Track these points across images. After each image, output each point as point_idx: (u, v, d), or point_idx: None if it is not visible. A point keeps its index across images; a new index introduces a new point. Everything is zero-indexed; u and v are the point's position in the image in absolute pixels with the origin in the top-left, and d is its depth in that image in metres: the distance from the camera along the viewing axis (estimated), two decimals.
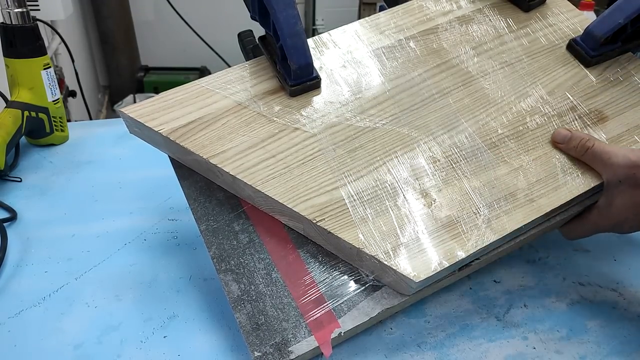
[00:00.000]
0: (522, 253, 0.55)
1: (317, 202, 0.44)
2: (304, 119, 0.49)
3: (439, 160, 0.48)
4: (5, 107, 0.70)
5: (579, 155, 0.48)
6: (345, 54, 0.53)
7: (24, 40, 0.70)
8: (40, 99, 0.73)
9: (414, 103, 0.51)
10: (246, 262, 0.45)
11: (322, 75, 0.51)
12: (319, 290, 0.44)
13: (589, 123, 0.51)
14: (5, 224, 0.57)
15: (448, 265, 0.42)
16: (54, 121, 0.75)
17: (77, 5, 2.23)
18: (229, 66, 0.53)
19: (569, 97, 0.52)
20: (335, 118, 0.49)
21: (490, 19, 0.57)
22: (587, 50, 0.54)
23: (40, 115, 0.73)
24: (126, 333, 0.46)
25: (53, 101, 0.75)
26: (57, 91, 0.76)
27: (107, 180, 0.67)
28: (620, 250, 0.56)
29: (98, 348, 0.44)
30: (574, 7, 0.59)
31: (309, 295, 0.43)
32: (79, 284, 0.51)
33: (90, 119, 1.44)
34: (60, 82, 1.73)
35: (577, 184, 0.47)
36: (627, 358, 0.44)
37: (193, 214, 0.48)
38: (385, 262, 0.42)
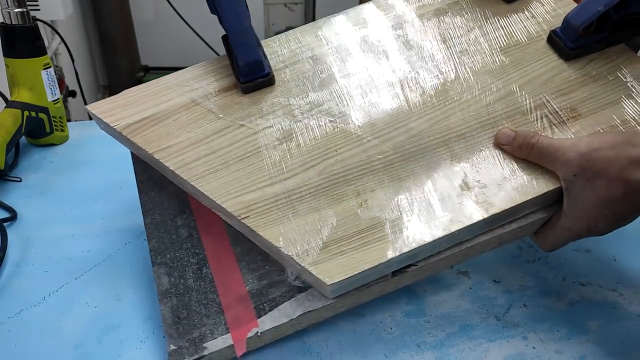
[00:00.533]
0: (522, 253, 0.55)
1: (246, 198, 0.44)
2: (252, 116, 0.49)
3: (378, 159, 0.46)
4: (5, 107, 0.70)
5: (525, 155, 0.44)
6: (305, 50, 0.53)
7: (24, 40, 0.70)
8: (40, 98, 0.73)
9: (368, 99, 0.50)
10: (181, 256, 0.46)
11: (281, 71, 0.51)
12: (245, 288, 0.44)
13: (555, 122, 0.47)
14: (5, 224, 0.57)
15: (367, 269, 0.40)
16: (54, 121, 0.75)
17: (77, 5, 2.23)
18: None
19: (539, 94, 0.49)
20: (283, 115, 0.49)
21: (466, 12, 0.55)
22: (566, 42, 0.50)
23: (40, 115, 0.73)
24: (126, 333, 0.46)
25: (53, 101, 0.75)
26: (57, 91, 0.76)
27: (107, 180, 0.67)
28: (620, 250, 0.56)
29: (98, 348, 0.44)
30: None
31: (235, 293, 0.43)
32: (79, 284, 0.51)
33: (90, 119, 1.43)
34: (60, 82, 1.73)
35: (528, 187, 0.44)
36: (627, 358, 0.44)
37: (141, 207, 0.50)
38: (300, 263, 0.41)
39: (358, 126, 0.48)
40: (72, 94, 1.74)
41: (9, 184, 0.66)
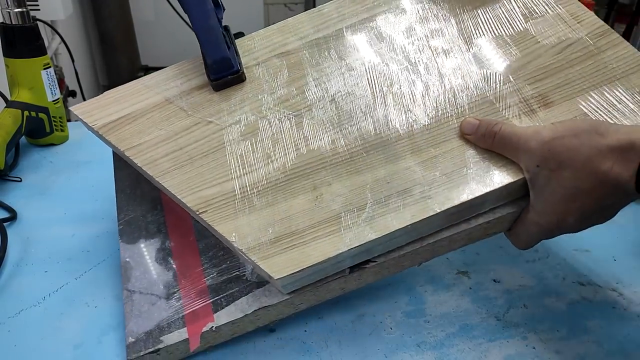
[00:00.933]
0: (522, 253, 0.55)
1: (206, 193, 0.45)
2: (220, 113, 0.50)
3: (339, 153, 0.46)
4: (5, 107, 0.70)
5: (489, 144, 0.42)
6: (280, 46, 0.53)
7: (24, 40, 0.70)
8: (40, 98, 0.73)
9: (334, 93, 0.49)
10: (148, 250, 0.47)
11: (253, 68, 0.52)
12: (205, 282, 0.44)
13: (525, 110, 0.46)
14: (5, 224, 0.57)
15: (315, 263, 0.40)
16: (54, 121, 0.75)
17: (77, 5, 2.23)
18: None
19: (510, 81, 0.48)
20: (250, 111, 0.49)
21: (444, 1, 0.54)
22: None
23: (40, 115, 0.73)
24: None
25: (53, 101, 0.75)
26: (57, 91, 0.76)
27: (107, 180, 0.67)
28: (620, 250, 0.56)
29: (98, 348, 0.44)
30: None
31: (195, 287, 0.44)
32: (79, 284, 0.51)
33: None
34: (60, 82, 1.73)
35: (490, 180, 0.42)
36: (627, 358, 0.44)
37: (116, 203, 0.51)
38: (250, 256, 0.41)
39: (322, 120, 0.48)
40: (72, 94, 1.74)
41: (9, 184, 0.66)
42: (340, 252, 0.40)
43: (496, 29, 0.51)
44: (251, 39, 0.55)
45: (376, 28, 0.53)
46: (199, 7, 0.48)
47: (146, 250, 0.48)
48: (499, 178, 0.42)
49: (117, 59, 2.62)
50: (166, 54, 2.79)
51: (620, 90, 0.46)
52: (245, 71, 0.52)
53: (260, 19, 3.06)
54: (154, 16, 2.72)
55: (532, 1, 0.53)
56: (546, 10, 0.52)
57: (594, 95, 0.46)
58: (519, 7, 0.52)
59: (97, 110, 0.51)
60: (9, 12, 0.68)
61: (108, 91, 0.53)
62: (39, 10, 1.40)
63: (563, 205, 0.38)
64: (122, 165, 0.52)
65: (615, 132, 0.35)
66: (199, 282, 0.44)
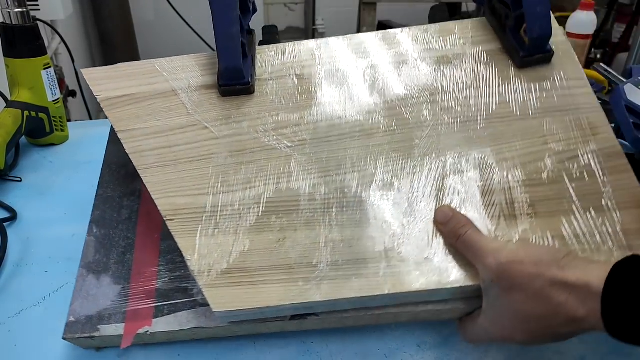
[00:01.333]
0: None
1: (178, 201, 0.45)
2: (218, 120, 0.49)
3: (315, 200, 0.44)
4: (6, 107, 0.70)
5: (453, 243, 0.41)
6: (296, 66, 0.52)
7: (24, 40, 0.69)
8: (41, 98, 0.73)
9: (330, 135, 0.48)
10: (113, 235, 0.48)
11: (265, 83, 0.51)
12: (155, 284, 0.44)
13: (506, 214, 0.43)
14: (5, 224, 0.57)
15: (254, 307, 0.40)
16: (54, 121, 0.75)
17: (77, 5, 2.23)
18: None
19: (504, 177, 0.45)
20: (247, 128, 0.48)
21: (468, 67, 0.51)
22: None
23: (41, 115, 0.73)
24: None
25: (53, 101, 0.75)
26: (57, 91, 0.76)
27: None
28: None
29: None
30: (584, 76, 0.50)
31: (145, 286, 0.44)
32: None
33: (91, 119, 1.43)
34: (61, 82, 1.73)
35: (447, 276, 0.40)
36: (626, 358, 0.44)
37: (100, 178, 0.53)
38: (198, 280, 0.41)
39: (311, 160, 0.46)
40: (72, 94, 1.73)
41: (9, 184, 0.66)
42: (282, 304, 0.40)
43: (514, 113, 0.48)
44: (271, 50, 0.54)
45: (396, 76, 0.51)
46: (224, 13, 0.48)
47: (112, 235, 0.48)
48: (457, 277, 0.40)
49: (117, 59, 2.59)
50: (166, 54, 2.78)
51: (607, 222, 0.43)
52: (257, 84, 0.51)
53: (261, 19, 3.05)
54: (154, 16, 2.72)
55: (557, 91, 0.49)
56: (568, 109, 0.48)
57: (579, 218, 0.43)
58: (560, 96, 0.49)
59: (106, 80, 0.52)
60: (9, 12, 0.68)
61: (122, 64, 0.53)
62: (39, 10, 1.40)
63: (513, 323, 0.37)
64: (117, 140, 0.51)
65: (575, 268, 0.34)
66: (150, 283, 0.44)
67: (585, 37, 1.23)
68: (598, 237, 0.42)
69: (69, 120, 0.81)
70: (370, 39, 0.54)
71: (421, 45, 0.53)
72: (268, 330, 0.43)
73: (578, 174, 0.45)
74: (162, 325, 0.42)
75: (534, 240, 0.42)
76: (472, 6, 2.65)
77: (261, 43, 0.74)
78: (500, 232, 0.43)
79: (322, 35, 3.14)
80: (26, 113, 0.71)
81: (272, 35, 0.76)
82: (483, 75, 0.51)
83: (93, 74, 0.52)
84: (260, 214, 0.44)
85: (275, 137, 0.48)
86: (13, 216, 0.60)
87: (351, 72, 0.52)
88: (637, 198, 0.44)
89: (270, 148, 0.47)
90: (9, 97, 0.73)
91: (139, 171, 0.47)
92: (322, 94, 0.51)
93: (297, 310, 0.41)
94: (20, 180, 0.67)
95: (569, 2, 1.83)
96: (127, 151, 0.48)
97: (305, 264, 0.41)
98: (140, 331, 0.41)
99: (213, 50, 0.52)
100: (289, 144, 0.47)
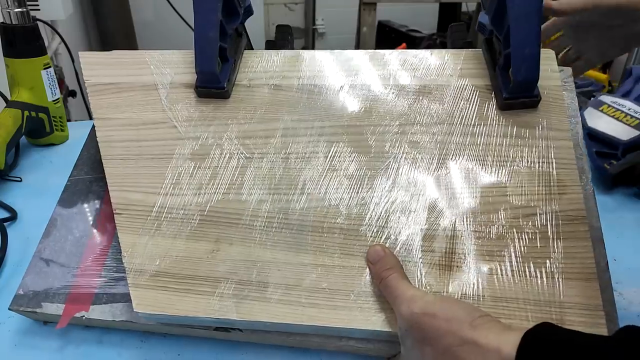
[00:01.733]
0: None
1: (131, 196, 0.46)
2: (187, 121, 0.49)
3: (257, 217, 0.44)
4: (6, 107, 0.70)
5: (377, 283, 0.40)
6: (276, 75, 0.51)
7: (24, 40, 0.70)
8: (41, 98, 0.73)
9: (291, 152, 0.47)
10: (76, 217, 0.50)
11: (242, 89, 0.51)
12: (101, 271, 0.45)
13: (441, 263, 0.41)
14: (5, 224, 0.57)
15: (174, 315, 0.40)
16: (54, 121, 0.75)
17: (77, 5, 2.23)
18: None
19: (452, 223, 0.43)
20: (213, 133, 0.48)
21: (447, 101, 0.49)
22: None
23: (41, 115, 0.73)
24: (126, 332, 0.46)
25: (53, 101, 0.75)
26: (57, 91, 0.76)
27: None
28: (620, 250, 0.56)
29: (98, 348, 0.44)
30: (568, 128, 0.46)
31: (91, 272, 0.46)
32: None
33: (90, 118, 1.43)
34: (60, 82, 1.73)
35: (366, 318, 0.39)
36: None
37: (77, 160, 0.54)
38: (127, 277, 0.42)
39: (264, 175, 0.46)
40: (72, 94, 1.73)
41: (9, 184, 0.66)
42: (199, 316, 0.40)
43: (484, 160, 0.45)
44: (258, 56, 0.53)
45: (368, 100, 0.49)
46: (204, 16, 0.48)
47: (74, 217, 0.50)
48: (377, 321, 0.39)
49: None
50: None
51: (546, 291, 0.40)
52: (235, 89, 0.51)
53: (260, 19, 3.05)
54: (154, 16, 2.72)
55: (534, 140, 0.46)
56: (540, 162, 0.45)
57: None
58: (537, 149, 0.45)
59: (99, 66, 0.53)
60: (9, 12, 0.68)
61: (119, 51, 0.54)
62: (39, 10, 1.40)
63: None
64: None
65: (488, 330, 0.32)
66: (96, 269, 0.46)
67: None
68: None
69: (69, 120, 0.81)
70: (359, 56, 0.52)
71: (406, 71, 0.51)
72: (196, 334, 0.44)
73: (530, 234, 0.42)
74: (98, 313, 0.43)
75: (461, 297, 0.40)
76: (472, 6, 2.65)
77: (272, 43, 0.74)
78: (431, 281, 0.41)
79: (322, 35, 3.14)
80: (26, 113, 0.71)
81: (285, 35, 0.76)
82: (461, 111, 0.48)
83: (88, 58, 0.53)
84: (201, 223, 0.44)
85: (236, 146, 0.47)
86: (13, 216, 0.60)
87: (328, 90, 0.50)
88: (587, 270, 0.40)
89: (228, 156, 0.47)
90: (9, 97, 0.73)
91: (103, 160, 0.48)
92: (292, 108, 0.49)
93: (217, 323, 0.42)
94: (20, 180, 0.67)
95: None
96: (97, 139, 0.48)
97: (230, 280, 0.41)
98: (77, 315, 0.43)
99: None
100: (248, 155, 0.47)
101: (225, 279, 0.41)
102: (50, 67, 0.73)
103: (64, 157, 0.74)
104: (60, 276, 0.45)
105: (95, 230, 0.49)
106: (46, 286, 0.45)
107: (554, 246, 0.41)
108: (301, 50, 0.53)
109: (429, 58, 0.51)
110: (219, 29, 0.48)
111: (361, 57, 0.52)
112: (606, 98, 0.71)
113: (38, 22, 0.71)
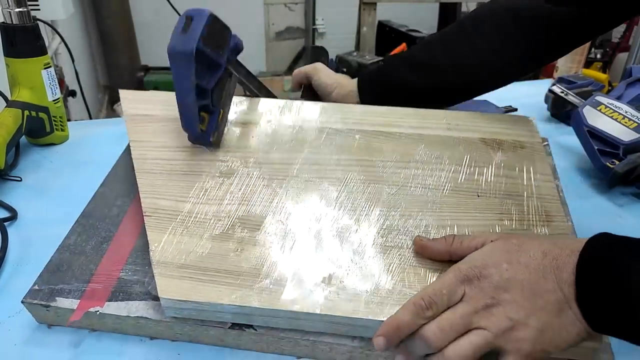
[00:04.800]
0: None
1: (161, 203, 0.50)
2: (217, 147, 0.56)
3: (280, 224, 0.48)
4: (6, 107, 0.70)
5: (452, 256, 0.43)
6: (299, 120, 0.60)
7: (24, 40, 0.70)
8: (41, 98, 0.73)
9: (312, 177, 0.53)
10: (98, 226, 0.52)
11: (268, 124, 0.59)
12: (118, 273, 0.46)
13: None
14: (5, 224, 0.57)
15: (197, 301, 0.41)
16: (54, 121, 0.75)
17: (77, 5, 2.24)
18: None
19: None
20: (239, 157, 0.55)
21: (449, 146, 0.56)
22: None
23: (41, 114, 0.73)
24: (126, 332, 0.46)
25: (53, 101, 0.75)
26: (57, 91, 0.76)
27: None
28: None
29: (98, 347, 0.44)
30: (551, 172, 0.54)
31: (109, 272, 0.47)
32: None
33: (91, 118, 1.44)
34: (61, 81, 1.73)
35: (379, 310, 0.41)
36: (626, 358, 0.44)
37: (105, 178, 0.58)
38: (153, 268, 0.44)
39: (286, 194, 0.51)
40: (72, 93, 1.74)
41: (9, 184, 0.66)
42: (221, 302, 0.41)
43: (484, 190, 0.52)
44: (251, 102, 0.62)
45: (382, 142, 0.57)
46: (180, 83, 0.51)
47: (96, 225, 0.52)
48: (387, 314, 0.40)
49: (117, 59, 2.62)
50: (166, 54, 2.80)
51: None
52: (261, 123, 0.59)
53: (261, 19, 3.06)
54: (154, 16, 2.72)
55: (522, 180, 0.53)
56: (529, 196, 0.52)
57: None
58: (522, 184, 0.53)
59: (139, 103, 0.62)
60: (9, 12, 0.68)
61: (154, 91, 0.64)
62: (39, 10, 1.40)
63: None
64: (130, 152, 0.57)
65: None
66: (116, 271, 0.47)
67: None
68: None
69: (68, 120, 0.81)
70: (367, 109, 0.62)
71: (420, 125, 0.59)
72: (208, 340, 0.44)
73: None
74: (112, 308, 0.44)
75: None
76: (472, 6, 2.65)
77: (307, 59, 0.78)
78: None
79: (322, 34, 3.14)
80: (26, 113, 0.71)
81: (318, 58, 0.84)
82: (458, 159, 0.55)
83: (129, 95, 0.62)
84: (226, 226, 0.48)
85: (261, 169, 0.54)
86: (13, 216, 0.60)
87: (344, 132, 0.59)
88: None
89: (254, 176, 0.53)
90: (9, 97, 0.73)
91: (136, 173, 0.51)
92: (311, 145, 0.57)
93: (235, 317, 0.42)
94: (20, 180, 0.67)
95: None
96: (132, 156, 0.53)
97: (253, 275, 0.44)
98: (91, 310, 0.43)
99: None
100: (272, 176, 0.53)
101: (248, 274, 0.44)
102: (50, 67, 0.74)
103: (64, 156, 0.74)
104: (78, 274, 0.46)
105: (116, 237, 0.50)
106: (63, 284, 0.45)
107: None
108: (322, 103, 0.62)
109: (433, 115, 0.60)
110: (194, 93, 0.51)
111: (357, 110, 0.62)
112: (602, 99, 0.71)
113: (38, 22, 0.71)
